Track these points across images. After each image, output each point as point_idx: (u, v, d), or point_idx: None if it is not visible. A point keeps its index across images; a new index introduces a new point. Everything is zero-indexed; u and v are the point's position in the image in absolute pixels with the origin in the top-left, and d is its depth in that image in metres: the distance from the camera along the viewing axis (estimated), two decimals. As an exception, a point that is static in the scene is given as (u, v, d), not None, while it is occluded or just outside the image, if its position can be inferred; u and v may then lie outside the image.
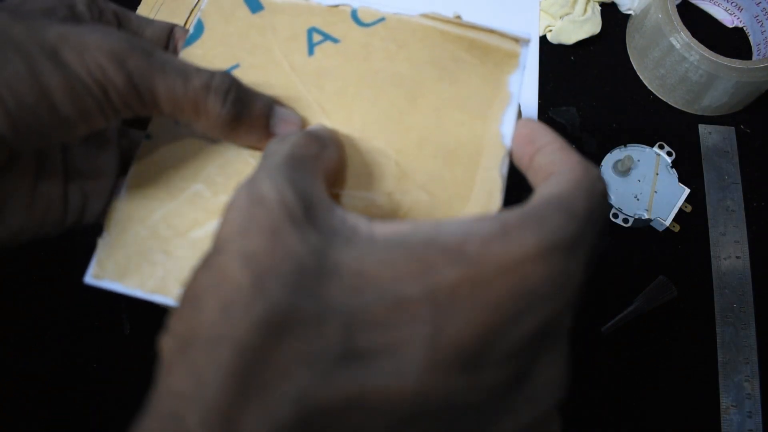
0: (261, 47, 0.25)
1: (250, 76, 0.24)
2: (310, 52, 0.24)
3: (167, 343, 0.16)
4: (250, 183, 0.18)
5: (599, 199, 0.18)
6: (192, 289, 0.16)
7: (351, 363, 0.15)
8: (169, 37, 0.26)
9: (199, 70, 0.21)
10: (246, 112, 0.22)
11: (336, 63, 0.24)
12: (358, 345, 0.15)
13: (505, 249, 0.16)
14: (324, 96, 0.24)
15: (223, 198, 0.23)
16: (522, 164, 0.22)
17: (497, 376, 0.16)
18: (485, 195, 0.22)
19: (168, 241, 0.23)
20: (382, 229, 0.17)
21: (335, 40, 0.24)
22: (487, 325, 0.15)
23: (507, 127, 0.23)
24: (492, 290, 0.15)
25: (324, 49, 0.24)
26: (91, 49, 0.19)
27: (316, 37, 0.25)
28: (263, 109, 0.22)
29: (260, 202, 0.17)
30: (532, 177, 0.21)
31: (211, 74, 0.21)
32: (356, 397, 0.15)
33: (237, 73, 0.24)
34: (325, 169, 0.20)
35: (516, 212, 0.17)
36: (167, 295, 0.22)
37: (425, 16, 0.24)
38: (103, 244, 0.23)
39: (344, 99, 0.24)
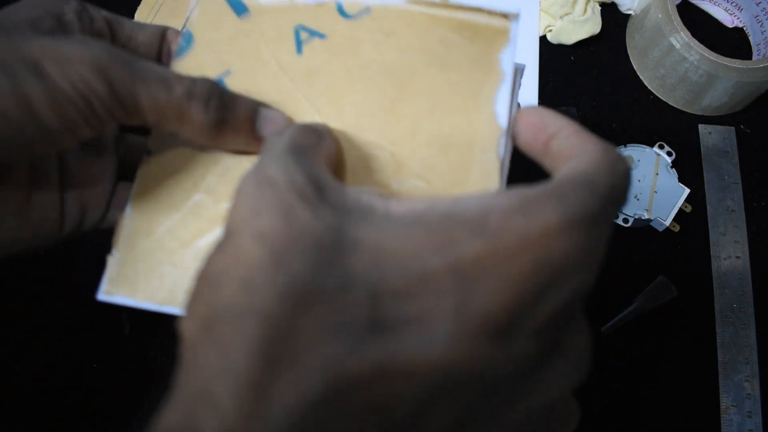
0: (250, 51, 0.25)
1: (241, 80, 0.24)
2: (299, 51, 0.24)
3: (188, 326, 0.16)
4: (257, 169, 0.18)
5: (621, 177, 0.18)
6: (208, 272, 0.16)
7: (379, 333, 0.15)
8: (163, 40, 0.26)
9: (180, 78, 0.21)
10: (230, 116, 0.22)
11: (325, 59, 0.24)
12: (385, 315, 0.15)
13: (527, 222, 0.16)
14: (315, 93, 0.24)
15: (224, 206, 0.23)
16: (535, 152, 0.21)
17: (527, 348, 0.16)
18: (483, 177, 0.22)
19: (174, 252, 0.23)
20: (399, 206, 0.17)
21: (322, 36, 0.24)
22: (514, 297, 0.15)
23: (501, 106, 0.22)
24: (516, 263, 0.15)
25: (312, 46, 0.24)
26: (72, 61, 0.20)
27: (304, 35, 0.24)
28: (247, 112, 0.22)
29: (269, 183, 0.17)
30: (549, 163, 0.20)
31: (193, 81, 0.21)
32: (385, 367, 0.15)
33: (229, 80, 0.24)
34: (326, 158, 0.20)
35: (536, 188, 0.17)
36: (177, 306, 0.23)
37: (412, 1, 0.24)
38: (113, 262, 0.23)
39: (335, 94, 0.24)
